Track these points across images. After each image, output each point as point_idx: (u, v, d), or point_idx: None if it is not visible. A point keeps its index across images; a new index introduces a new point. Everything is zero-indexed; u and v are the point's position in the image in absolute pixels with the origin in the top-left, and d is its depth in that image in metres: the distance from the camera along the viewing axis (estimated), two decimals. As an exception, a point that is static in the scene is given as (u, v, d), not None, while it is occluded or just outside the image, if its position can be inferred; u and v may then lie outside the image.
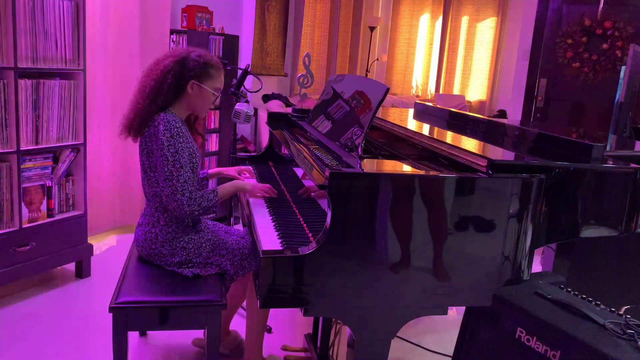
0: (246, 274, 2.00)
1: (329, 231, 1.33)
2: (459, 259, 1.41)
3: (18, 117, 2.51)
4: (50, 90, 2.68)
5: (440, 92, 6.35)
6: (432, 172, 1.45)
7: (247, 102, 2.58)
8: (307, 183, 2.15)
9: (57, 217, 2.82)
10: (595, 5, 4.69)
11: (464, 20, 6.17)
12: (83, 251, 2.97)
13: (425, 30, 6.40)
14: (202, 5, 3.94)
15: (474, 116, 2.30)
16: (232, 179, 2.22)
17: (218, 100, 3.92)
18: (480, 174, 1.42)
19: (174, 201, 1.84)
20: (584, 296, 1.69)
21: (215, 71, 1.95)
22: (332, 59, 5.85)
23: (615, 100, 3.17)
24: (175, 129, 1.85)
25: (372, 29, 6.09)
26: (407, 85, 6.52)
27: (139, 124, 1.89)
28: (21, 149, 2.56)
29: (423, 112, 2.72)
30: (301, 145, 1.90)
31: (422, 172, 1.42)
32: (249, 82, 4.29)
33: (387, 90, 1.67)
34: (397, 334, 1.51)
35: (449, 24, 6.27)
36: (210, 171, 2.26)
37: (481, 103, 6.03)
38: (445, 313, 1.48)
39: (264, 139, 4.48)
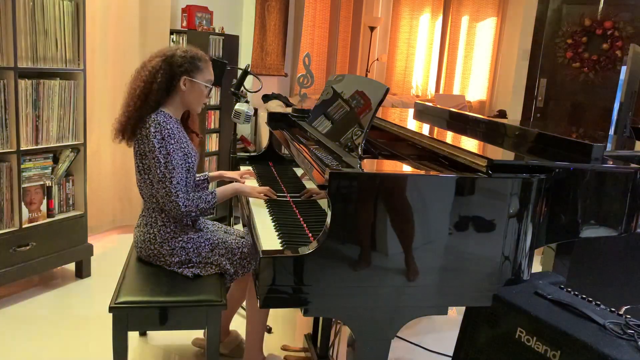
0: (246, 273, 2.00)
1: (329, 231, 1.33)
2: (459, 259, 1.41)
3: (18, 117, 2.51)
4: (50, 90, 2.68)
5: (440, 92, 6.35)
6: (432, 172, 1.45)
7: (247, 102, 2.58)
8: (307, 183, 2.15)
9: (57, 217, 2.82)
10: (595, 5, 4.69)
11: (464, 20, 6.17)
12: (83, 251, 2.97)
13: (425, 30, 6.39)
14: (202, 5, 3.94)
15: (474, 116, 2.30)
16: (232, 181, 2.22)
17: (218, 100, 3.93)
18: (480, 174, 1.42)
19: (170, 202, 1.85)
20: (584, 296, 1.69)
21: (204, 63, 1.97)
22: (332, 59, 5.85)
23: (615, 100, 3.17)
24: (166, 131, 1.85)
25: (372, 29, 6.09)
26: (407, 85, 6.52)
27: (132, 126, 1.90)
28: (21, 149, 2.56)
29: (423, 112, 2.72)
30: (301, 145, 1.90)
31: (422, 172, 1.42)
32: (249, 82, 4.29)
33: (387, 90, 1.67)
34: (397, 334, 1.51)
35: (449, 24, 6.27)
36: (210, 174, 2.26)
37: (481, 103, 6.03)
38: (445, 313, 1.48)
39: (264, 139, 4.48)
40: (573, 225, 1.54)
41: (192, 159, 1.97)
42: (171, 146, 1.85)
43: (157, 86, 1.89)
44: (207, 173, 2.26)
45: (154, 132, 1.84)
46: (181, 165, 1.88)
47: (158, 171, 1.84)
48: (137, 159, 1.93)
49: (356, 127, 1.71)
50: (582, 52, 4.77)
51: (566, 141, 1.73)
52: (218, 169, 4.10)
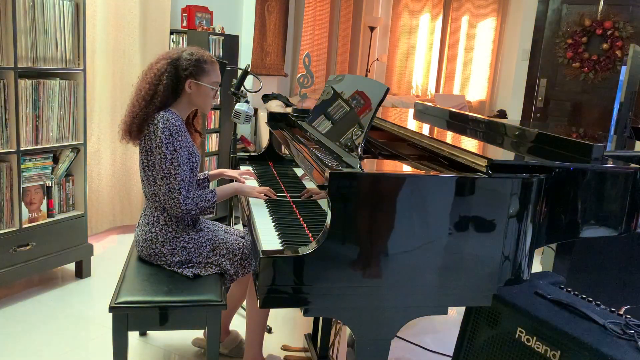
0: (246, 274, 2.00)
1: (329, 231, 1.33)
2: (459, 259, 1.41)
3: (18, 117, 2.51)
4: (50, 90, 2.68)
5: (440, 92, 6.35)
6: (432, 172, 1.45)
7: (247, 102, 2.58)
8: (308, 183, 2.15)
9: (57, 217, 2.82)
10: (595, 5, 4.69)
11: (464, 20, 6.17)
12: (83, 251, 2.97)
13: (425, 30, 6.39)
14: (202, 5, 3.94)
15: (474, 116, 2.30)
16: (232, 180, 2.22)
17: (218, 100, 3.93)
18: (480, 174, 1.42)
19: (171, 199, 1.85)
20: (584, 296, 1.69)
21: (210, 66, 1.96)
22: (332, 59, 5.85)
23: (615, 100, 3.17)
24: (175, 127, 1.86)
25: (372, 29, 6.09)
26: (407, 85, 6.52)
27: (138, 126, 1.90)
28: (21, 149, 2.56)
29: (423, 112, 2.72)
30: (301, 145, 1.90)
31: (422, 172, 1.42)
32: (249, 82, 4.29)
33: (387, 90, 1.67)
34: (397, 334, 1.51)
35: (449, 24, 6.27)
36: (210, 172, 2.26)
37: (481, 103, 6.03)
38: (445, 313, 1.48)
39: (264, 139, 4.48)
40: (573, 225, 1.54)
41: (196, 159, 1.98)
42: (178, 143, 1.86)
43: (162, 88, 1.90)
44: (207, 172, 2.26)
45: (162, 128, 1.84)
46: (186, 163, 1.89)
47: (163, 167, 1.85)
48: (142, 156, 1.93)
49: (356, 127, 1.71)
50: (582, 52, 4.77)
51: (566, 141, 1.73)
52: (218, 168, 4.10)
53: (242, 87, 2.66)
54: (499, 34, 5.86)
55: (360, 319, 1.43)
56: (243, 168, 2.48)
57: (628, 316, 1.53)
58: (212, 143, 4.03)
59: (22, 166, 2.58)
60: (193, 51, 1.95)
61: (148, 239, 1.95)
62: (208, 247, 1.96)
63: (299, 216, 1.78)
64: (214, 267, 1.95)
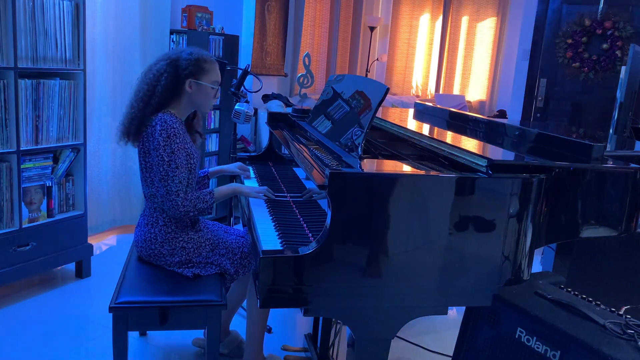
0: (246, 273, 2.00)
1: (329, 231, 1.33)
2: (459, 259, 1.41)
3: (18, 117, 2.51)
4: (50, 90, 2.68)
5: (440, 92, 6.34)
6: (432, 172, 1.45)
7: (247, 102, 2.58)
8: (307, 183, 2.15)
9: (57, 217, 2.82)
10: (595, 5, 4.69)
11: (464, 20, 6.16)
12: (83, 251, 2.97)
13: (425, 30, 6.39)
14: (202, 5, 3.94)
15: (474, 116, 2.30)
16: (232, 176, 2.22)
17: (218, 100, 3.93)
18: (480, 174, 1.42)
19: (169, 201, 1.85)
20: (584, 296, 1.69)
21: (209, 65, 1.96)
22: (332, 59, 5.84)
23: (616, 100, 3.17)
24: (173, 130, 1.85)
25: (372, 29, 6.09)
26: (407, 85, 6.52)
27: (136, 128, 1.90)
28: (21, 149, 2.56)
29: (423, 112, 2.72)
30: (301, 145, 1.90)
31: (422, 172, 1.42)
32: (249, 82, 4.29)
33: (387, 90, 1.67)
34: (397, 334, 1.51)
35: (449, 24, 6.27)
36: (210, 170, 2.27)
37: (481, 103, 6.03)
38: (445, 313, 1.48)
39: (264, 139, 4.48)
40: (573, 225, 1.54)
41: (194, 160, 1.97)
42: (176, 145, 1.86)
43: (160, 88, 1.89)
44: (207, 169, 2.26)
45: (160, 130, 1.84)
46: (184, 165, 1.89)
47: (161, 169, 1.84)
48: (140, 157, 1.93)
49: (356, 127, 1.71)
50: (582, 52, 4.77)
51: (566, 141, 1.73)
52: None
53: (242, 87, 2.66)
54: (499, 34, 5.86)
55: (360, 319, 1.43)
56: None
57: (628, 316, 1.53)
58: (212, 143, 4.03)
59: (22, 166, 2.58)
60: (192, 51, 1.95)
61: (147, 239, 1.95)
62: (207, 247, 1.96)
63: (299, 216, 1.78)
64: (213, 267, 1.95)
